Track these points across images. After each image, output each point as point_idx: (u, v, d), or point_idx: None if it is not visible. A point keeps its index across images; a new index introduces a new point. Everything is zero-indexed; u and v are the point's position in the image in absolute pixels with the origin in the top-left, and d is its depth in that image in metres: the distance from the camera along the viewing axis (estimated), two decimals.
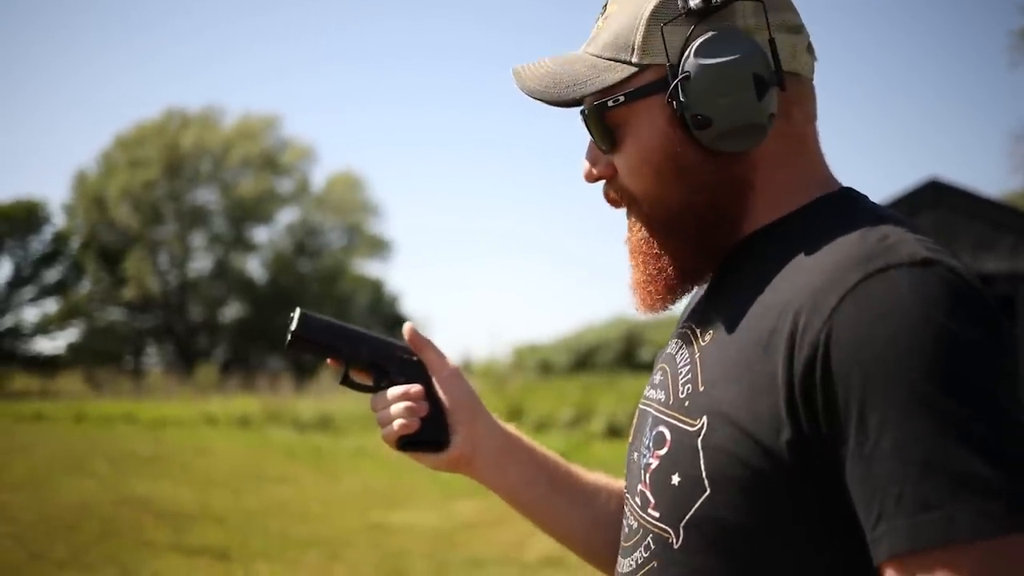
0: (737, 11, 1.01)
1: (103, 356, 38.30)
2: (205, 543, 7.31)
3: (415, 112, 65.53)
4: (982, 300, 0.87)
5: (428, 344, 1.35)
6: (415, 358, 1.35)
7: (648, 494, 1.04)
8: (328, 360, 1.37)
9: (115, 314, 41.95)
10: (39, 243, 39.18)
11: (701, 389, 1.00)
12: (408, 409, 1.30)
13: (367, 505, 9.36)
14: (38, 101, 61.11)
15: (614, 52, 1.05)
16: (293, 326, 1.34)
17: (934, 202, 11.73)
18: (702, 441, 0.96)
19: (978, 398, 0.81)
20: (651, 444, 1.05)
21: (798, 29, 1.04)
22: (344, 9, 64.24)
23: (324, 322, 1.36)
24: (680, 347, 1.09)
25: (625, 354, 26.68)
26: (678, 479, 0.98)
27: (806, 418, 0.88)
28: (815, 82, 1.08)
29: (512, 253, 64.86)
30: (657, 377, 1.13)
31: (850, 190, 1.07)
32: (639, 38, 1.02)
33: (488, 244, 64.76)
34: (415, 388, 1.32)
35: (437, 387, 1.33)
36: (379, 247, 44.31)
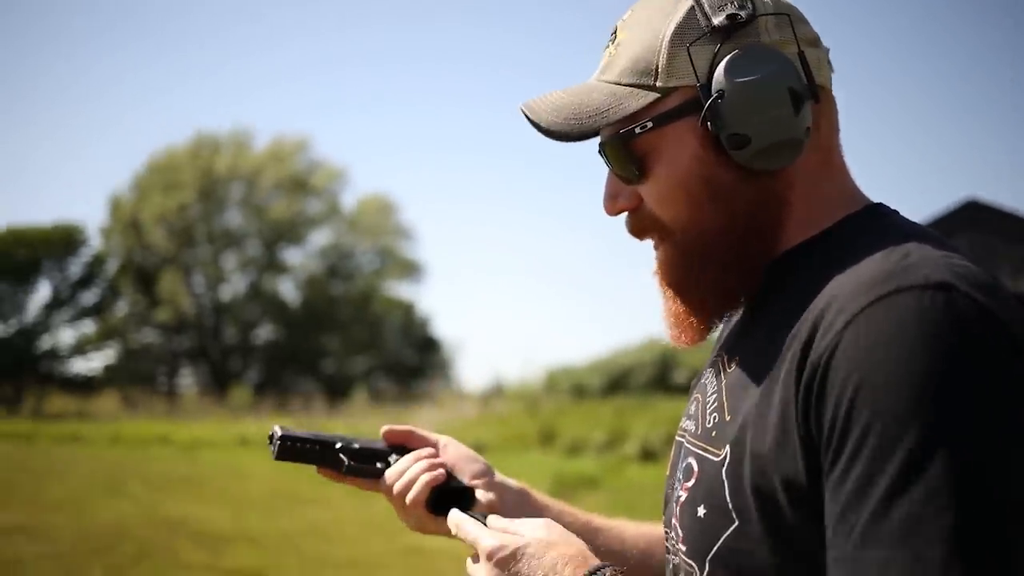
0: (760, 27, 0.99)
1: (138, 377, 38.69)
2: (240, 565, 7.33)
3: (448, 133, 65.85)
4: (996, 333, 0.81)
5: (408, 431, 1.38)
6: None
7: (679, 528, 1.01)
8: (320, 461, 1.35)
9: (150, 336, 42.35)
10: (77, 266, 39.62)
11: (727, 418, 0.98)
12: (429, 464, 1.31)
13: (401, 528, 9.27)
14: (77, 125, 62.08)
15: (635, 77, 1.01)
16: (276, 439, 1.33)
17: (972, 223, 11.61)
18: (726, 471, 0.93)
19: (954, 444, 0.78)
20: (681, 476, 1.03)
21: (816, 42, 1.04)
22: (372, 25, 64.83)
23: (304, 434, 1.35)
24: (711, 376, 1.08)
25: (659, 377, 26.49)
26: (704, 511, 0.96)
27: (814, 445, 0.85)
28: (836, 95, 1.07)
29: (545, 275, 64.91)
30: (692, 407, 1.11)
31: (879, 206, 1.05)
32: (663, 60, 0.99)
33: (521, 266, 64.85)
34: (426, 450, 1.34)
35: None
36: (411, 269, 44.40)
